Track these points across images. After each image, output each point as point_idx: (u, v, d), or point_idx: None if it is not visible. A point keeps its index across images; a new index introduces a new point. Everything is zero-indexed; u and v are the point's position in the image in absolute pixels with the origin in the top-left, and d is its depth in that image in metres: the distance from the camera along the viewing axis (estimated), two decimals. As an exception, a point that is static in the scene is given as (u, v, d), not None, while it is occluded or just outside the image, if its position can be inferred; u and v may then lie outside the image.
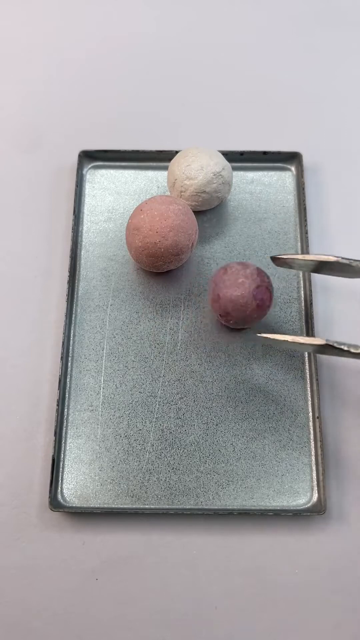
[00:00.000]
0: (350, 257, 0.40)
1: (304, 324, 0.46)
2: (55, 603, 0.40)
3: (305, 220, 0.49)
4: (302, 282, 0.48)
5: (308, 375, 0.45)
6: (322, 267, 0.42)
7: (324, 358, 0.46)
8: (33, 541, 0.41)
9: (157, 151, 0.51)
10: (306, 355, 0.45)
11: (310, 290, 0.46)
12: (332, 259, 0.40)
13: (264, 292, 0.42)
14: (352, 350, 0.37)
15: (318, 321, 0.46)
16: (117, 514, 0.41)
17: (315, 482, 0.42)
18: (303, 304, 0.47)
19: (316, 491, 0.41)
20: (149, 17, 0.60)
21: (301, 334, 0.46)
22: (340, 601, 0.40)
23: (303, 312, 0.47)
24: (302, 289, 0.47)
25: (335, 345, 0.37)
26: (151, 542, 0.41)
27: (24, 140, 0.55)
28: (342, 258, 0.40)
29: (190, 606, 0.39)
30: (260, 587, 0.40)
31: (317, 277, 0.48)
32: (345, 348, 0.37)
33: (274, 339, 0.40)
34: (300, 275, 0.48)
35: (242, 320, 0.43)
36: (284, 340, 0.39)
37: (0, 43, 0.59)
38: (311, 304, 0.46)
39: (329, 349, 0.38)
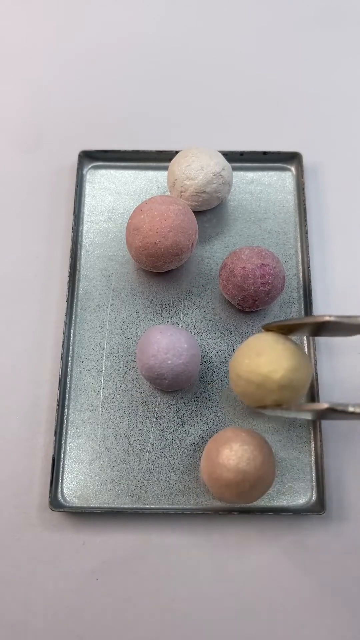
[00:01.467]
0: (342, 315, 0.36)
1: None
2: (55, 603, 0.40)
3: (305, 220, 0.49)
4: (302, 282, 0.48)
5: (308, 375, 0.45)
6: (320, 329, 0.38)
7: (323, 357, 0.46)
8: (33, 541, 0.41)
9: (157, 151, 0.51)
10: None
11: (310, 291, 0.46)
12: (326, 318, 0.35)
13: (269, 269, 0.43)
14: (358, 410, 0.33)
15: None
16: (117, 514, 0.41)
17: (315, 482, 0.42)
18: (303, 304, 0.47)
19: (316, 491, 0.41)
20: (149, 17, 0.60)
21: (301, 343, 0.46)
22: (340, 601, 0.40)
23: (303, 313, 0.47)
24: (302, 289, 0.47)
25: (338, 408, 0.33)
26: (151, 542, 0.41)
27: (24, 140, 0.55)
28: (335, 317, 0.35)
29: (190, 606, 0.39)
30: (260, 587, 0.40)
31: (316, 273, 0.48)
32: (351, 409, 0.33)
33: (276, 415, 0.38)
34: (300, 276, 0.48)
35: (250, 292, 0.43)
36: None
37: (0, 43, 0.59)
38: (311, 303, 0.46)
39: (331, 412, 0.34)
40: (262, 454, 0.37)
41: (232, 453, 0.37)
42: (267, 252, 0.44)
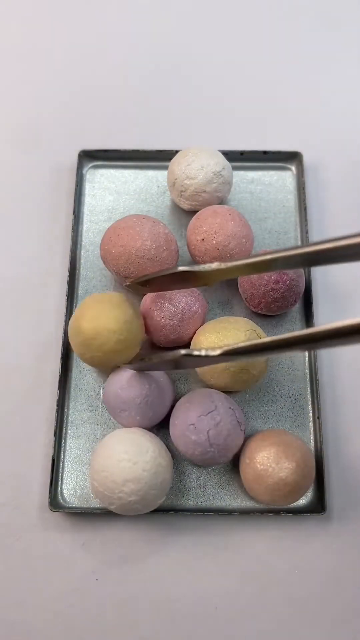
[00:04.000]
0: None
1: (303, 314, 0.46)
2: (55, 603, 0.40)
3: (306, 220, 0.48)
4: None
5: (308, 375, 0.45)
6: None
7: (324, 358, 0.45)
8: (33, 541, 0.41)
9: (157, 151, 0.51)
10: (306, 355, 0.45)
11: (310, 291, 0.46)
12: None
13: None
14: (210, 354, 0.32)
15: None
16: (117, 514, 0.41)
17: (315, 483, 0.42)
18: (303, 303, 0.47)
19: (316, 492, 0.41)
20: (149, 17, 0.60)
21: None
22: (339, 601, 0.40)
23: (303, 313, 0.47)
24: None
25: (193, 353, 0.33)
26: (151, 542, 0.41)
27: (24, 140, 0.54)
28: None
29: (190, 606, 0.40)
30: (260, 587, 0.40)
31: (317, 273, 0.48)
32: (203, 354, 0.32)
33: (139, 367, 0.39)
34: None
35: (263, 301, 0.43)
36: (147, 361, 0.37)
37: (0, 43, 0.59)
38: (311, 303, 0.46)
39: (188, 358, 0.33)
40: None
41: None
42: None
